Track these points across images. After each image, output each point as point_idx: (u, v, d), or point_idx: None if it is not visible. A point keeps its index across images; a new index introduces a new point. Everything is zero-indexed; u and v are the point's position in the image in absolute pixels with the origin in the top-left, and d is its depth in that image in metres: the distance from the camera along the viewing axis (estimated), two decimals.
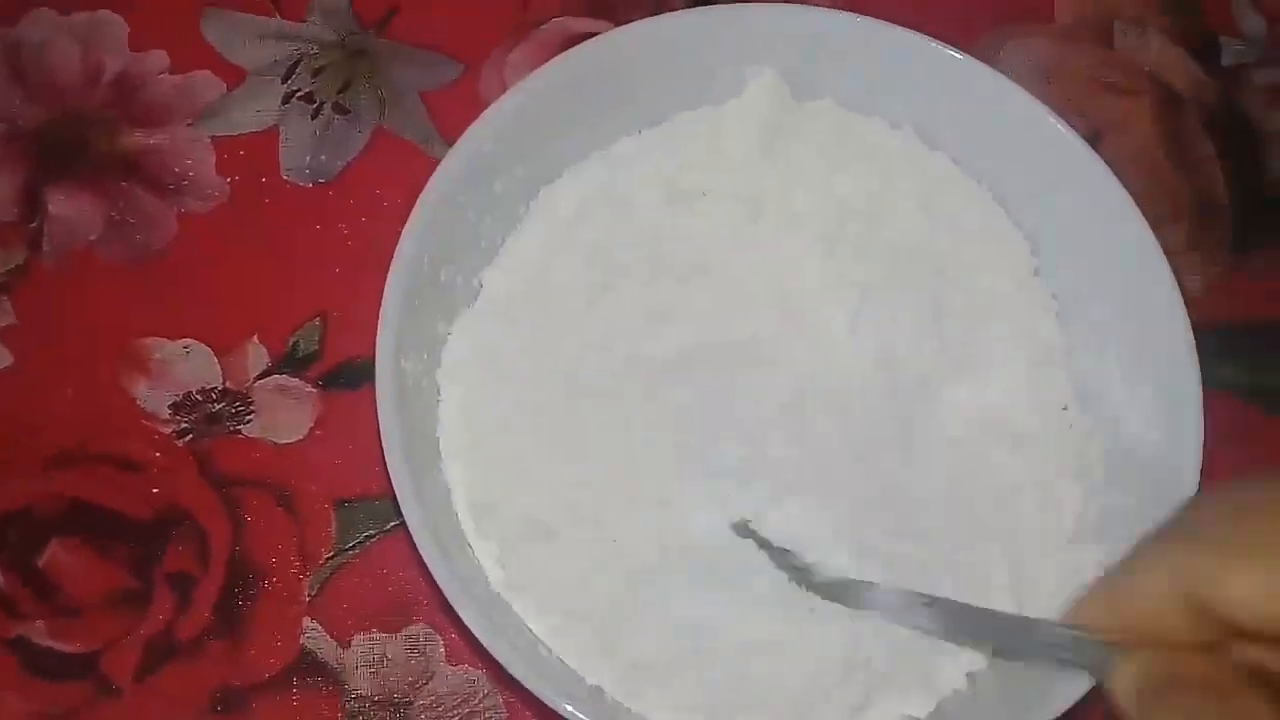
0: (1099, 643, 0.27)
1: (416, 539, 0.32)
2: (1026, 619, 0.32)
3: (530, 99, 0.37)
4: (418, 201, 0.35)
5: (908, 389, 0.37)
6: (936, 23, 0.47)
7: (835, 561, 0.34)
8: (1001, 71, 0.39)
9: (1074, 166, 0.38)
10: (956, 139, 0.40)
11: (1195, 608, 0.25)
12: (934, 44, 0.39)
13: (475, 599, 0.32)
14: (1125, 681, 0.27)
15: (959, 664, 0.34)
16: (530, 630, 0.34)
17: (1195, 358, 0.35)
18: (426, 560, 0.32)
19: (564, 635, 0.34)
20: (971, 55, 0.48)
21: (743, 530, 0.35)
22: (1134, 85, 0.49)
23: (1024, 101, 0.38)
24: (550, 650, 0.34)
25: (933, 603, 0.32)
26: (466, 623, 0.32)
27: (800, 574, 0.34)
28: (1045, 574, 0.35)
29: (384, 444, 0.33)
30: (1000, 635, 0.32)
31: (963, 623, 0.32)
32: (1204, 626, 0.25)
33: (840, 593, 0.34)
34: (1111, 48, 0.50)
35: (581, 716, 0.31)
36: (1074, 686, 0.31)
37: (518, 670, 0.31)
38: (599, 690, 0.33)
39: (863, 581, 0.34)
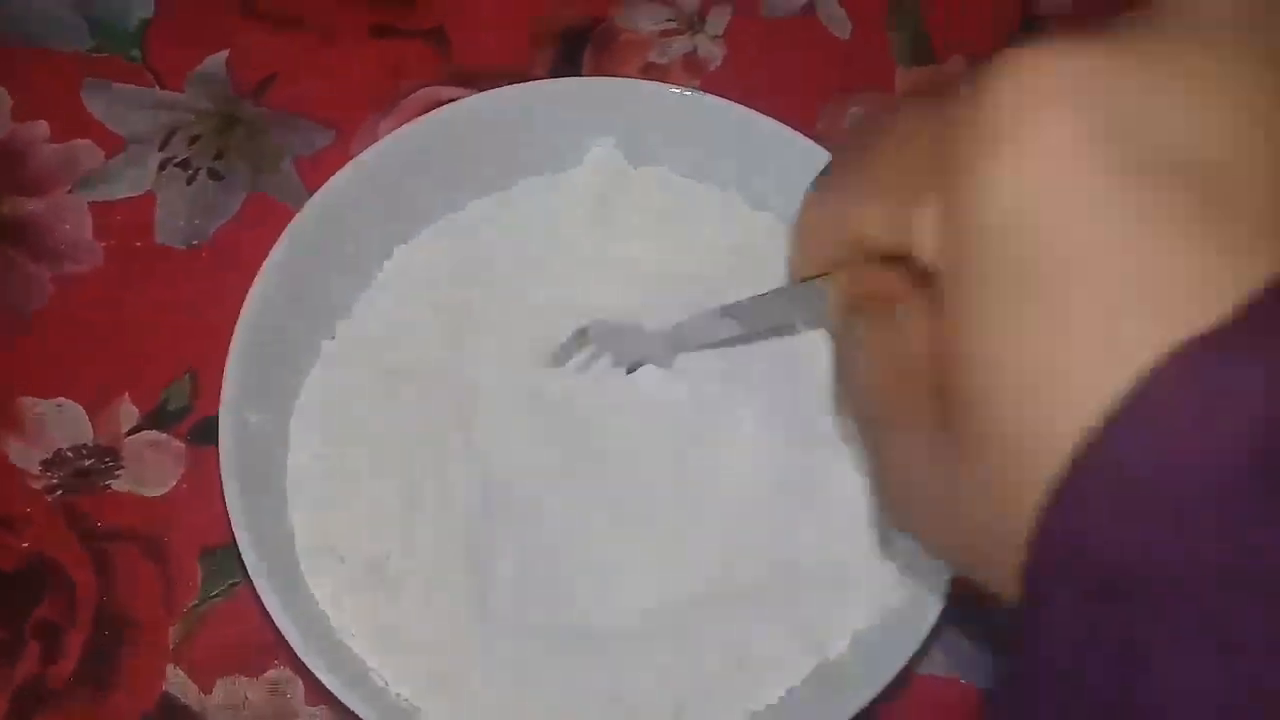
0: (819, 283, 0.30)
1: (255, 580, 0.34)
2: (777, 290, 0.36)
3: (381, 163, 0.40)
4: (265, 261, 0.38)
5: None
6: (786, 93, 0.51)
7: None
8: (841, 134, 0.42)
9: None
10: (782, 202, 0.43)
11: (849, 242, 0.26)
12: (756, 116, 0.42)
13: (315, 640, 0.34)
14: (833, 304, 0.29)
15: (774, 682, 0.37)
16: (372, 670, 0.36)
17: None
18: (264, 600, 0.34)
19: (402, 675, 0.36)
20: (819, 121, 0.51)
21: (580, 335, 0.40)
22: None
23: None
24: (388, 686, 0.35)
25: (729, 309, 0.37)
26: (307, 665, 0.33)
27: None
28: None
29: (224, 490, 0.35)
30: (772, 311, 0.38)
31: (750, 313, 0.37)
32: (865, 254, 0.27)
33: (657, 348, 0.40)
34: None
35: None
36: (868, 690, 0.34)
37: (361, 710, 0.33)
38: None
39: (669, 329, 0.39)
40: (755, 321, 0.39)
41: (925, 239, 0.22)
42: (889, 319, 0.26)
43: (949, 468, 0.22)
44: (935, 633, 0.36)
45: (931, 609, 0.36)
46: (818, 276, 0.30)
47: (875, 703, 0.35)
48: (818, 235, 0.28)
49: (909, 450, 0.24)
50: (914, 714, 0.41)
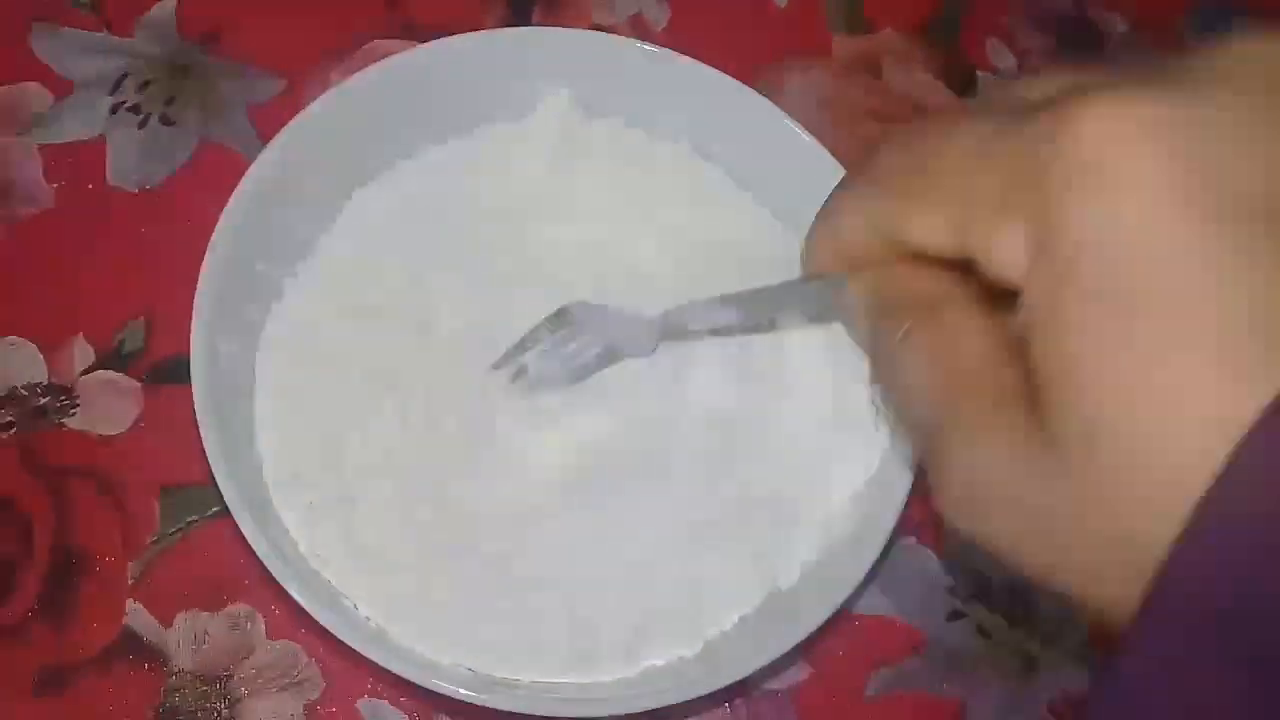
0: (836, 280, 0.31)
1: (231, 508, 0.35)
2: (785, 284, 0.37)
3: (339, 106, 0.41)
4: (231, 198, 0.39)
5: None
6: (726, 55, 0.53)
7: None
8: (780, 96, 0.44)
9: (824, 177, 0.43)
10: (729, 153, 0.45)
11: (892, 243, 0.27)
12: (708, 70, 0.44)
13: (293, 569, 0.35)
14: (856, 299, 0.30)
15: (728, 610, 0.39)
16: (342, 595, 0.37)
17: None
18: (241, 526, 0.34)
19: (370, 598, 0.37)
20: (759, 83, 0.53)
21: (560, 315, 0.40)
22: (899, 112, 0.55)
23: (781, 120, 0.44)
24: (356, 609, 0.37)
25: (728, 298, 0.38)
26: (291, 594, 0.34)
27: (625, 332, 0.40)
28: None
29: (198, 419, 0.35)
30: (774, 304, 0.39)
31: (750, 304, 0.38)
32: (903, 253, 0.27)
33: (665, 327, 0.40)
34: (880, 79, 0.56)
35: (397, 671, 0.34)
36: (817, 617, 0.36)
37: (336, 629, 0.34)
38: (409, 648, 0.37)
39: (671, 310, 0.39)
40: (754, 313, 0.39)
41: (1007, 254, 0.23)
42: (934, 321, 0.26)
43: (1046, 481, 0.22)
44: (877, 568, 0.38)
45: (874, 546, 0.38)
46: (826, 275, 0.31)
47: (821, 631, 0.37)
48: (849, 234, 0.29)
49: (985, 455, 0.23)
50: (858, 646, 0.44)
